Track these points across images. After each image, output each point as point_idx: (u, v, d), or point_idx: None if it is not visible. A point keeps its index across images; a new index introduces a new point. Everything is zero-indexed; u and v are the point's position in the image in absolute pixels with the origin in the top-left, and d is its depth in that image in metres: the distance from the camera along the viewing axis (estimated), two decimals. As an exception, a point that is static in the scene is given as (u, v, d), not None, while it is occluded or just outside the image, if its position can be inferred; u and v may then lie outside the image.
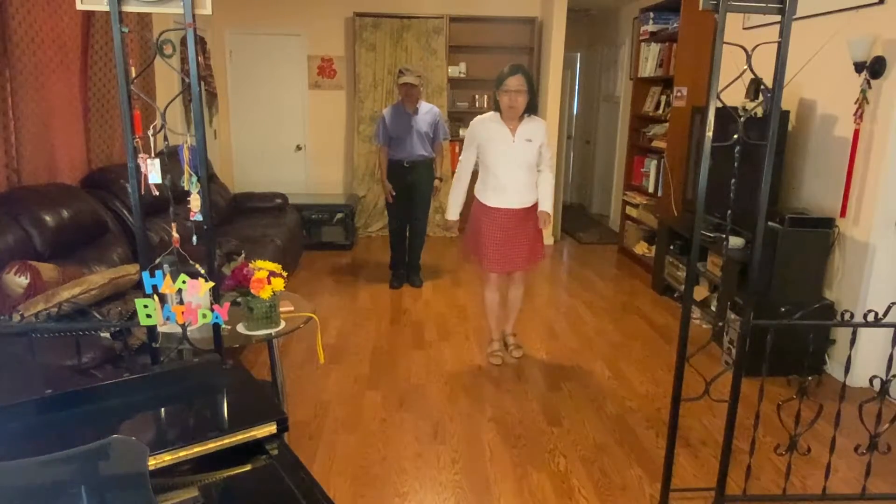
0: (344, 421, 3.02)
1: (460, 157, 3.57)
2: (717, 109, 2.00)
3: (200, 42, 6.00)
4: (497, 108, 3.40)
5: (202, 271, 1.90)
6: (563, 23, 6.16)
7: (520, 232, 3.48)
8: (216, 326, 1.97)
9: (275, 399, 2.79)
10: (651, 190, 5.65)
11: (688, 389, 2.29)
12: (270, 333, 2.54)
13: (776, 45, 1.95)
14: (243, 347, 3.40)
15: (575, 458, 2.75)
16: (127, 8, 1.75)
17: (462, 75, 6.79)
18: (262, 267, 2.52)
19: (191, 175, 1.84)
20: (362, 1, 6.46)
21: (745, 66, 1.98)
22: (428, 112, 4.83)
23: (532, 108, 3.38)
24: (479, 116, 3.50)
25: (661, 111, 5.60)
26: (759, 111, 3.57)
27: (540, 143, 3.40)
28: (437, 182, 5.01)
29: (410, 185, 4.83)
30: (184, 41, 1.81)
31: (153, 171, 1.81)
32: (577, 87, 8.75)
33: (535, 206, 3.50)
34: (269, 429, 1.33)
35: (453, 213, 3.65)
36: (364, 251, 6.18)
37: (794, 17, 1.93)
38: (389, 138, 4.78)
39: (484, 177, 3.50)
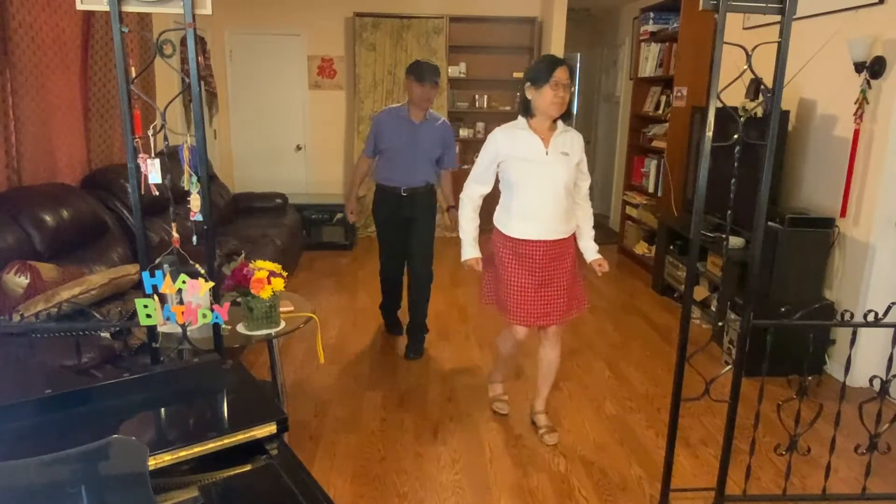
0: (344, 421, 3.02)
1: (470, 178, 2.82)
2: (717, 109, 2.00)
3: (200, 42, 6.00)
4: (526, 111, 2.71)
5: (202, 271, 1.90)
6: (563, 23, 6.15)
7: (556, 272, 2.77)
8: (216, 326, 1.97)
9: (275, 399, 2.79)
10: (651, 190, 5.65)
11: (688, 389, 2.29)
12: (270, 333, 2.54)
13: (776, 45, 1.95)
14: (243, 347, 3.40)
15: (575, 458, 2.75)
16: (127, 8, 1.75)
17: (462, 75, 6.79)
18: (262, 267, 2.52)
19: (191, 175, 1.84)
20: (362, 1, 6.45)
21: (745, 66, 1.98)
22: (439, 125, 3.67)
23: (566, 114, 2.73)
24: (501, 127, 2.78)
25: (661, 111, 5.60)
26: (759, 111, 3.58)
27: (578, 160, 2.76)
28: (452, 211, 3.59)
29: (408, 220, 3.70)
30: (184, 41, 1.81)
31: (153, 171, 1.81)
32: (577, 87, 8.75)
33: (573, 238, 2.87)
34: (269, 429, 1.33)
35: (472, 250, 2.83)
36: (364, 251, 6.17)
37: (794, 17, 1.93)
38: (379, 151, 3.68)
39: (507, 201, 2.77)
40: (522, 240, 2.75)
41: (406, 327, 3.93)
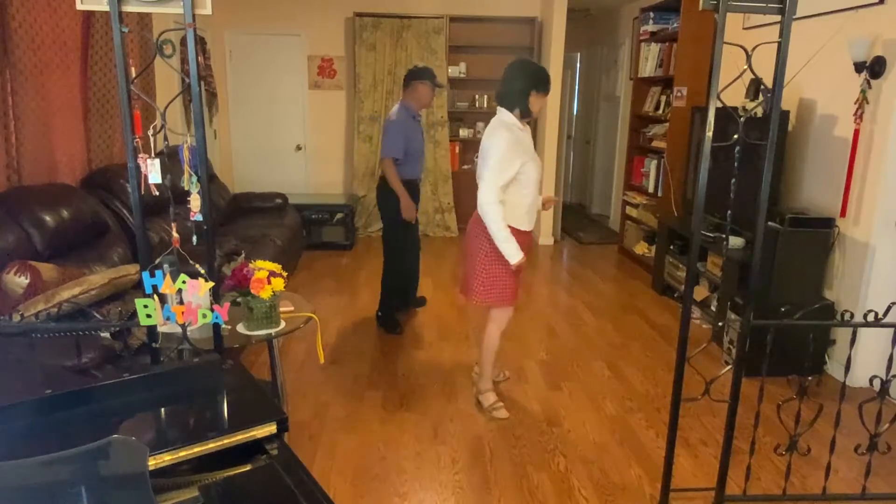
0: (344, 421, 3.02)
1: (494, 182, 2.79)
2: (717, 109, 2.00)
3: (200, 42, 6.00)
4: (525, 111, 2.88)
5: (202, 271, 1.90)
6: (563, 23, 6.16)
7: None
8: (216, 326, 1.97)
9: (275, 399, 2.79)
10: (651, 190, 5.65)
11: (688, 389, 2.29)
12: (270, 333, 2.54)
13: (776, 45, 1.95)
14: (243, 347, 3.40)
15: (575, 458, 2.75)
16: (127, 8, 1.75)
17: (462, 75, 6.80)
18: (262, 267, 2.52)
19: (191, 175, 1.85)
20: (362, 1, 6.46)
21: (745, 66, 1.98)
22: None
23: None
24: (504, 124, 2.85)
25: (661, 111, 5.60)
26: (759, 111, 3.58)
27: None
28: None
29: (416, 206, 4.12)
30: (184, 41, 1.81)
31: (153, 171, 1.81)
32: (577, 87, 8.75)
33: None
34: (269, 429, 1.33)
35: (519, 251, 2.88)
36: (364, 251, 6.18)
37: (794, 17, 1.93)
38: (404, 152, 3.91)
39: (520, 199, 2.89)
40: (527, 231, 3.00)
41: (416, 298, 4.55)
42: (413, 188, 4.03)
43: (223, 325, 1.99)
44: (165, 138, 1.79)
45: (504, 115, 2.89)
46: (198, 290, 1.80)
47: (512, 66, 2.92)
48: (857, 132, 3.39)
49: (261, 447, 1.33)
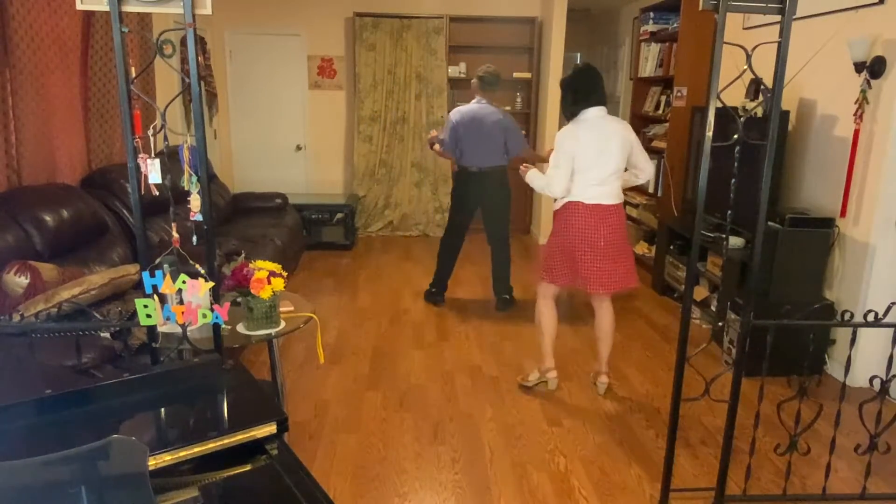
0: (344, 421, 3.02)
1: None
2: (717, 109, 2.00)
3: (200, 42, 6.00)
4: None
5: (202, 271, 1.90)
6: (563, 23, 6.15)
7: None
8: (216, 326, 1.97)
9: (275, 399, 2.80)
10: (651, 190, 5.64)
11: (688, 389, 2.29)
12: (270, 333, 2.54)
13: (776, 45, 1.95)
14: (243, 347, 3.40)
15: (575, 458, 2.75)
16: (127, 8, 1.75)
17: (462, 75, 6.79)
18: (262, 267, 2.52)
19: (191, 175, 1.85)
20: (362, 1, 6.46)
21: (745, 66, 1.98)
22: None
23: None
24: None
25: (661, 111, 5.59)
26: (759, 111, 3.57)
27: None
28: None
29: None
30: (184, 41, 1.81)
31: (153, 171, 1.81)
32: (577, 87, 8.73)
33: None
34: (269, 429, 1.33)
35: None
36: (364, 251, 6.18)
37: (794, 17, 1.93)
38: None
39: None
40: None
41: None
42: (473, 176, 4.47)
43: (223, 325, 1.99)
44: (165, 138, 1.79)
45: (605, 111, 3.17)
46: (198, 290, 1.80)
47: (594, 70, 3.23)
48: (857, 132, 3.39)
49: (261, 447, 1.33)
